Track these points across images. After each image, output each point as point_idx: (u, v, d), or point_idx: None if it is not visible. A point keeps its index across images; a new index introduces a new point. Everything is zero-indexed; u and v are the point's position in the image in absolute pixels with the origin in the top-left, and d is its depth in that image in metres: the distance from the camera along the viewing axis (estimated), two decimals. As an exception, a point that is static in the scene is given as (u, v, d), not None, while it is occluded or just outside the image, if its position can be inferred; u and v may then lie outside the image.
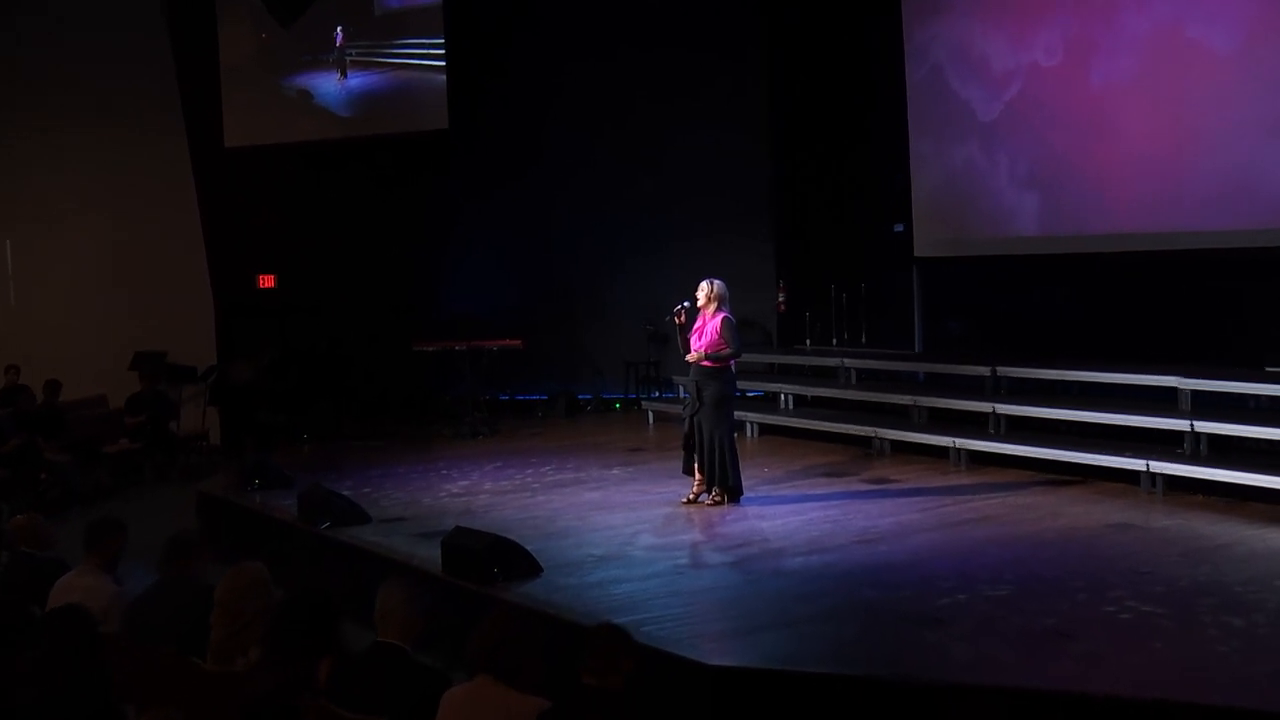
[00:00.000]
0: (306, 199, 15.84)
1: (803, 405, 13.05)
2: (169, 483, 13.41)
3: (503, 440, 13.35)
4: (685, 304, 9.49)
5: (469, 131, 15.64)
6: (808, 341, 14.38)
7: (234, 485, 11.04)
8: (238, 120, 15.77)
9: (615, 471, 11.14)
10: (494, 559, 7.65)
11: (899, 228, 13.62)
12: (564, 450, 12.34)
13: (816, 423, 12.25)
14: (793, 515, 9.15)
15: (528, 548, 7.91)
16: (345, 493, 10.10)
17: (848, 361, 12.96)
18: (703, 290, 9.43)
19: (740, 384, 13.55)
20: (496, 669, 4.29)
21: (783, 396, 13.17)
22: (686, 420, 9.60)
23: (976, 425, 11.04)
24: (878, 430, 11.48)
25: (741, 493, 9.56)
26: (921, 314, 13.58)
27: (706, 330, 9.39)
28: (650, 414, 14.22)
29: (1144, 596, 6.81)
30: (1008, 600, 6.87)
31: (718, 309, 9.41)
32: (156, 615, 5.39)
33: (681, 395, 10.71)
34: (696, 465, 9.56)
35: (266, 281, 16.11)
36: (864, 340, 13.95)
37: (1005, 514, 8.95)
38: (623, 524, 9.04)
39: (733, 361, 9.50)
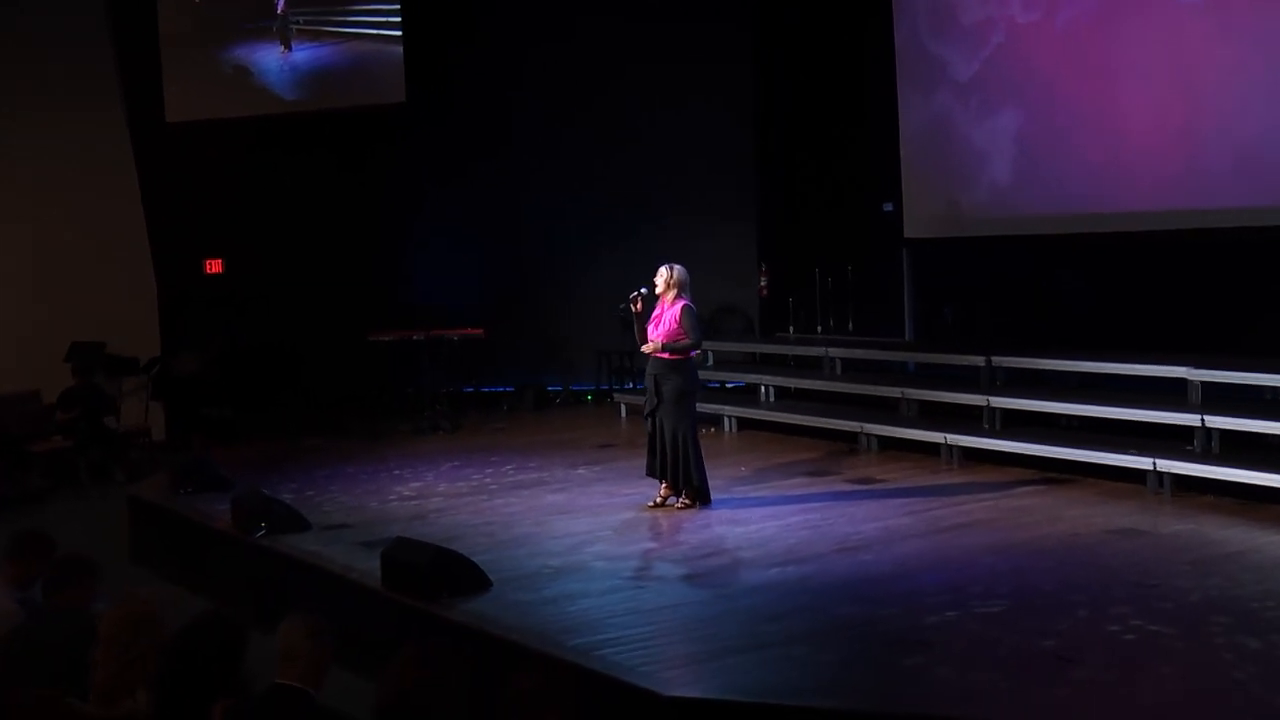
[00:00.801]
0: (256, 178, 15.41)
1: (785, 398, 12.76)
2: (107, 482, 13.05)
3: (464, 437, 13.07)
4: (642, 290, 9.23)
5: (429, 106, 15.26)
6: (791, 329, 14.15)
7: (167, 488, 10.63)
8: (180, 94, 15.29)
9: (581, 471, 10.87)
10: (438, 573, 7.33)
11: (888, 206, 13.33)
12: (528, 447, 12.07)
13: (798, 417, 11.96)
14: (768, 520, 8.84)
15: (479, 558, 7.64)
16: (287, 497, 9.88)
17: (832, 351, 12.63)
18: (661, 276, 9.15)
19: (719, 375, 13.71)
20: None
21: (763, 388, 12.87)
22: (648, 420, 9.26)
23: (970, 420, 10.73)
24: (864, 425, 11.19)
25: (709, 495, 9.28)
26: (912, 299, 13.29)
27: (665, 319, 9.11)
28: (623, 407, 13.84)
29: (1151, 613, 6.46)
30: (1002, 618, 6.53)
31: (677, 296, 9.14)
32: (36, 649, 4.95)
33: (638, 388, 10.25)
34: (659, 467, 9.26)
35: (214, 267, 15.69)
36: (851, 328, 13.70)
37: (1000, 518, 8.64)
38: (584, 531, 8.76)
39: (694, 352, 9.23)
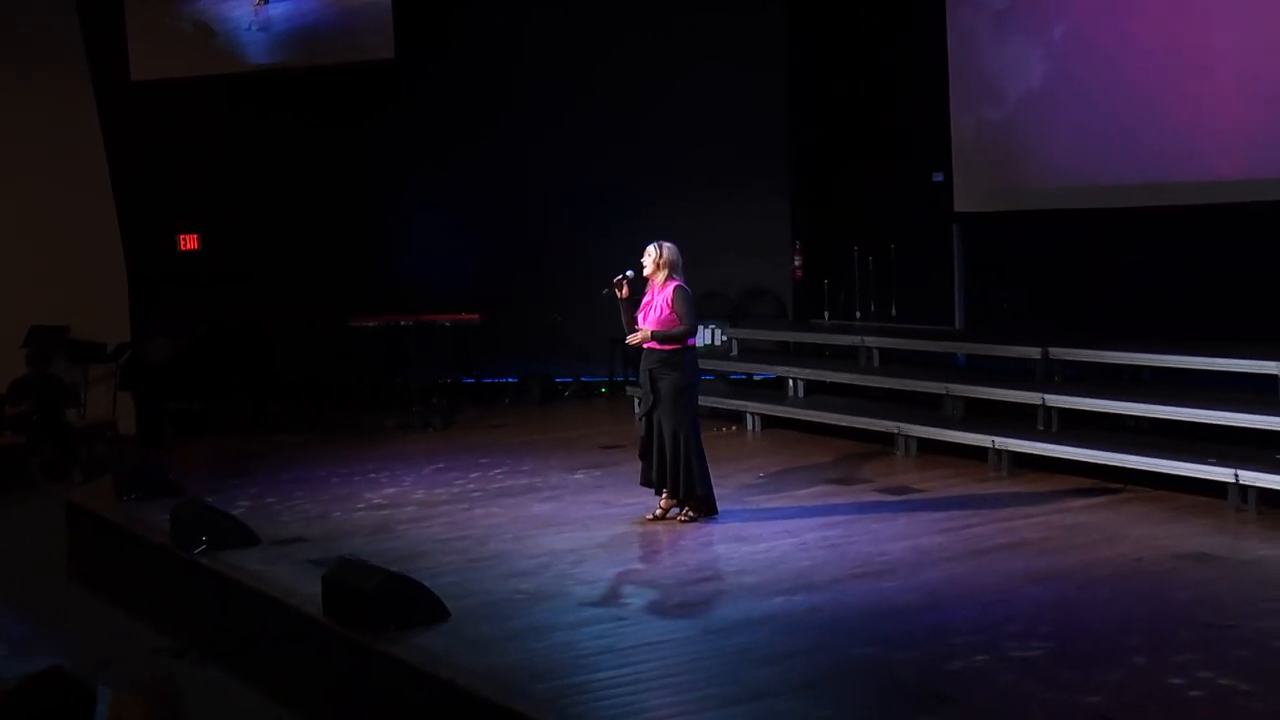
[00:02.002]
0: (231, 144, 14.97)
1: (816, 392, 12.28)
2: (64, 481, 12.71)
3: (455, 434, 12.72)
4: (629, 272, 8.83)
5: (421, 64, 14.80)
6: (826, 315, 13.77)
7: (111, 494, 10.24)
8: (145, 49, 14.82)
9: (578, 476, 10.45)
10: (384, 601, 6.83)
11: (938, 177, 12.94)
12: (525, 447, 11.72)
13: (828, 415, 11.50)
14: (780, 537, 8.32)
15: (444, 579, 7.31)
16: (243, 504, 9.69)
17: (868, 340, 12.16)
18: (649, 255, 8.74)
19: (744, 366, 13.29)
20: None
21: (791, 382, 12.39)
22: (642, 420, 8.81)
23: (1023, 420, 10.23)
24: (900, 425, 10.71)
25: (715, 506, 8.84)
26: (963, 282, 12.83)
27: (656, 304, 8.70)
28: (637, 401, 13.11)
29: (1223, 663, 5.81)
30: (1039, 665, 5.92)
31: (669, 277, 8.70)
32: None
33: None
34: (656, 475, 8.82)
35: (189, 243, 15.43)
36: (894, 314, 13.26)
37: (1050, 538, 8.07)
38: (568, 548, 8.27)
39: (691, 340, 8.79)
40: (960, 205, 12.63)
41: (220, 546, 8.43)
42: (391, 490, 10.18)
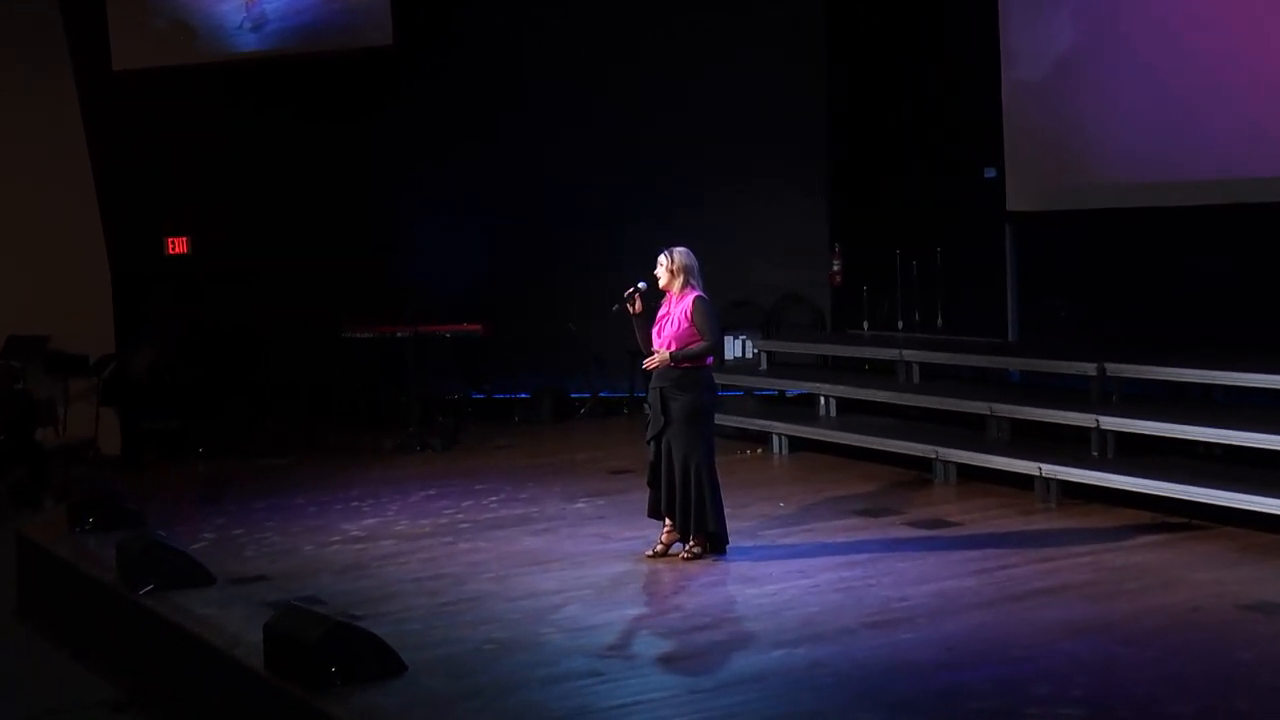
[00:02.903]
0: (221, 139, 14.88)
1: (851, 411, 11.96)
2: (34, 507, 12.43)
3: (456, 457, 12.59)
4: (641, 285, 8.56)
5: (422, 51, 14.69)
6: (865, 325, 13.57)
7: (65, 524, 10.05)
8: (128, 36, 14.72)
9: (579, 505, 10.21)
10: (330, 653, 6.47)
11: (990, 173, 12.77)
12: (528, 471, 11.57)
13: (861, 437, 11.17)
14: (793, 578, 7.96)
15: (408, 626, 7.15)
16: (207, 536, 9.56)
17: (907, 354, 11.82)
18: (662, 264, 8.47)
19: (775, 382, 13.07)
20: None
21: (822, 400, 12.10)
22: (650, 444, 8.53)
23: (1075, 445, 9.86)
24: (939, 449, 10.39)
25: (726, 541, 8.52)
26: (1016, 289, 12.62)
27: (673, 317, 8.42)
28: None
29: (1285, 737, 5.35)
30: (1069, 738, 5.46)
31: (686, 285, 8.42)
32: None
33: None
34: (665, 505, 8.49)
35: (178, 246, 15.28)
36: (940, 324, 13.03)
37: (1097, 581, 7.66)
38: (554, 589, 7.96)
39: (710, 358, 8.47)
40: (1014, 204, 12.48)
41: (170, 586, 8.14)
42: (372, 521, 9.96)
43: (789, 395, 13.02)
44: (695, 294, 8.32)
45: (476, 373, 14.69)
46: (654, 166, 14.34)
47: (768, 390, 13.04)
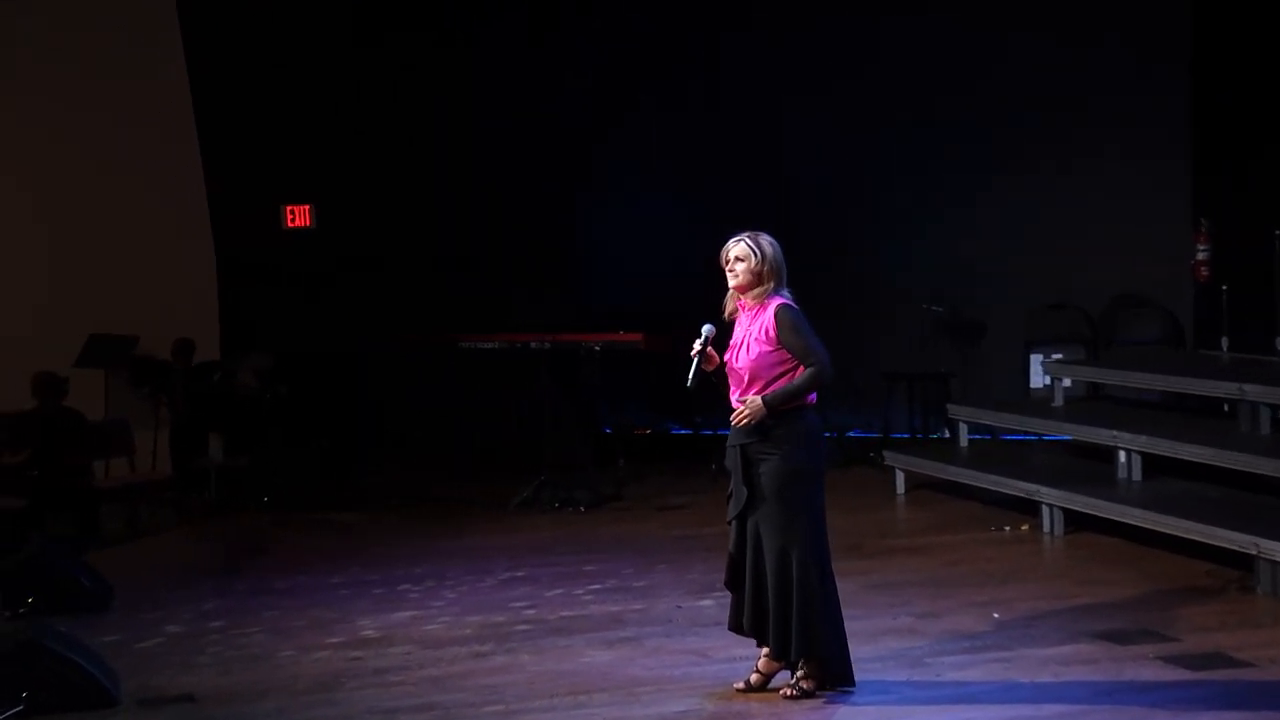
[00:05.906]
0: (349, 81, 15.29)
1: (1166, 473, 10.76)
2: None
3: (598, 518, 12.28)
4: (708, 330, 7.66)
5: None
6: (1224, 342, 12.70)
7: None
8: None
9: (704, 604, 9.30)
10: None
11: None
12: (673, 546, 11.04)
13: (1156, 516, 9.96)
14: None
15: None
16: (173, 628, 9.24)
17: (1250, 390, 10.49)
18: (737, 259, 7.52)
19: (1071, 427, 12.12)
20: None
21: (1121, 455, 11.00)
22: (733, 524, 7.63)
23: None
24: (1260, 542, 8.95)
25: (851, 675, 7.59)
26: None
27: (746, 342, 7.53)
28: (899, 475, 12.75)
29: None
30: None
31: (765, 293, 7.48)
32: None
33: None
34: (750, 618, 7.55)
35: (299, 217, 15.59)
36: None
37: None
38: None
39: (813, 394, 7.46)
40: None
41: (52, 708, 7.57)
42: (406, 615, 9.44)
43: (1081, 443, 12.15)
44: (779, 301, 7.37)
45: (691, 401, 13.89)
46: (948, 134, 14.18)
47: (1060, 436, 12.37)
